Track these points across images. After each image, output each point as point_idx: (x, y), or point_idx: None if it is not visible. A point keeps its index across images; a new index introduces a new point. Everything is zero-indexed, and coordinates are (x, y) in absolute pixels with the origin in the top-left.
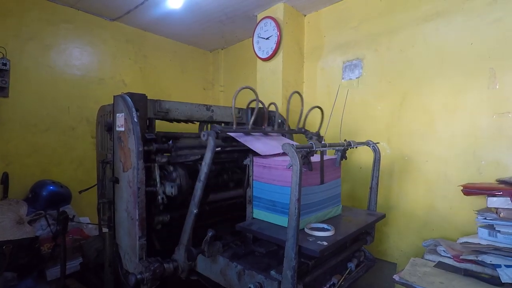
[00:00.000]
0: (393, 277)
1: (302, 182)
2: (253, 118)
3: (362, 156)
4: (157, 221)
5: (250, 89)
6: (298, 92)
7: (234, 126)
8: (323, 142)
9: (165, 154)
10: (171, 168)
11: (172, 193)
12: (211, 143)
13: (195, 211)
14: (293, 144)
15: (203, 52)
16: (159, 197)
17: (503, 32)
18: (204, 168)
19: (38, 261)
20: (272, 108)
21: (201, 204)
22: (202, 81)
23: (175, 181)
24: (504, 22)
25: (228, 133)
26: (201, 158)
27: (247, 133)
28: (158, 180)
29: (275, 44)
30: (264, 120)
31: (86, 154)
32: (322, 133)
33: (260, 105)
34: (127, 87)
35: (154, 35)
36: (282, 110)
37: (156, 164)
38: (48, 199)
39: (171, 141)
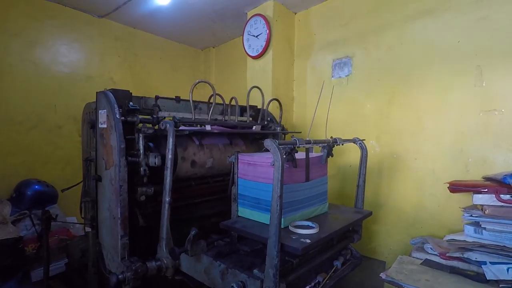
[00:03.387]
0: (380, 275)
1: (285, 179)
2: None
3: (351, 154)
4: (141, 192)
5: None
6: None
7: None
8: (307, 138)
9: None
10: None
11: (155, 163)
12: (170, 131)
13: (168, 199)
14: (275, 140)
15: (194, 50)
16: (142, 169)
17: (489, 30)
18: (169, 154)
19: (22, 262)
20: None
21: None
22: (193, 79)
23: (159, 151)
24: (490, 19)
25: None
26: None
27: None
28: (142, 151)
29: (265, 42)
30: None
31: (73, 153)
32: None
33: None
34: (115, 85)
35: (144, 33)
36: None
37: (141, 135)
38: (33, 199)
39: (155, 116)
